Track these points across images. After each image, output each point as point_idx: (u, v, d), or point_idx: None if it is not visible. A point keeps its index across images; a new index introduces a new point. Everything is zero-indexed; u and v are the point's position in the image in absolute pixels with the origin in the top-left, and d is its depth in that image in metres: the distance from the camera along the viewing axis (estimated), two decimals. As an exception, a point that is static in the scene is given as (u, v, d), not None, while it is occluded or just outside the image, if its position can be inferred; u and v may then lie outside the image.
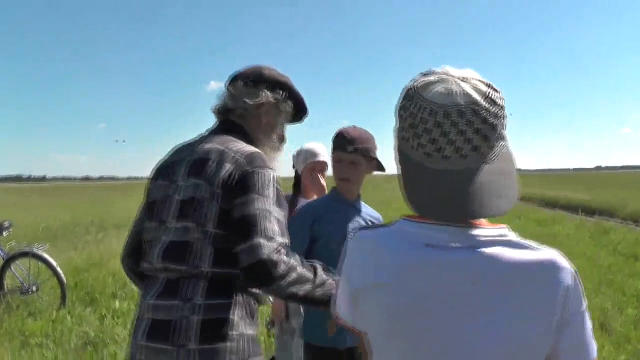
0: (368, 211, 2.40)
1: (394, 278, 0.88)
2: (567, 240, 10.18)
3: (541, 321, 0.81)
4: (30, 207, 22.16)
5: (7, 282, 5.95)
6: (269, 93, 1.74)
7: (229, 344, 1.45)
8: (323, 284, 1.49)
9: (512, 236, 0.86)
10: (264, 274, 1.38)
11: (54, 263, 5.83)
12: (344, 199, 2.31)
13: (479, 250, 0.84)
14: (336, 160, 2.28)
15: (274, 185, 1.52)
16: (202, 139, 1.68)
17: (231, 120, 1.75)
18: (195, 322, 1.44)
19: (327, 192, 2.61)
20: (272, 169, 1.56)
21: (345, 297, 0.98)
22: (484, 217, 0.85)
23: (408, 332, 0.87)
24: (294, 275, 1.41)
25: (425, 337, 0.86)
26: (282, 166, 1.88)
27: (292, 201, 2.78)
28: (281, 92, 1.77)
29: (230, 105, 1.74)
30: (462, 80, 0.86)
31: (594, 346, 0.86)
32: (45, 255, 5.83)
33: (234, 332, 1.47)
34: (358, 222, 2.30)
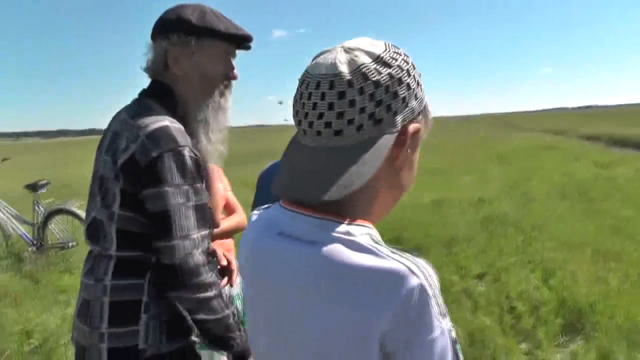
0: None
1: (247, 263, 0.87)
2: (626, 184, 9.35)
3: (356, 336, 0.70)
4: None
5: (48, 237, 6.15)
6: (164, 41, 1.49)
7: (141, 326, 1.39)
8: (227, 326, 1.40)
9: (365, 239, 0.74)
10: (176, 278, 1.34)
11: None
12: None
13: (318, 245, 0.74)
14: None
15: (186, 165, 1.36)
16: (126, 108, 1.51)
17: (157, 80, 1.54)
18: (106, 304, 1.40)
19: None
20: (181, 146, 1.36)
21: None
22: (301, 203, 0.80)
23: (251, 316, 0.89)
24: (204, 294, 1.36)
25: (257, 329, 0.87)
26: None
27: None
28: (178, 34, 1.48)
29: (147, 64, 1.54)
30: (345, 51, 0.77)
31: None
32: (78, 211, 5.96)
33: (146, 315, 1.39)
34: None
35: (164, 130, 1.35)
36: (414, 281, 0.68)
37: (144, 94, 1.54)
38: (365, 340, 0.69)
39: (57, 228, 6.19)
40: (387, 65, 0.76)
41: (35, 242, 6.09)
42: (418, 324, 0.68)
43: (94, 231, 1.45)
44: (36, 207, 6.18)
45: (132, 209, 1.38)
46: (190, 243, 1.34)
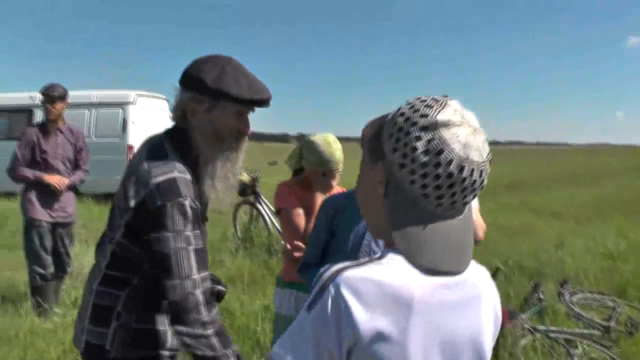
0: None
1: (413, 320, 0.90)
2: None
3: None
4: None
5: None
6: (186, 94, 1.65)
7: (110, 330, 1.62)
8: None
9: None
10: (178, 313, 1.52)
11: None
12: None
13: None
14: None
15: (187, 214, 1.53)
16: (150, 143, 1.69)
17: (178, 126, 1.70)
18: (90, 304, 1.66)
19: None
20: (182, 197, 1.53)
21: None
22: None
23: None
24: (201, 331, 1.51)
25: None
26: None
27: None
28: (194, 91, 1.63)
29: (173, 108, 1.71)
30: (476, 132, 0.92)
31: None
32: None
33: (116, 322, 1.62)
34: None
35: (171, 182, 1.54)
36: None
37: (168, 133, 1.70)
38: None
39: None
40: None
41: None
42: None
43: (99, 242, 1.75)
44: None
45: (130, 241, 1.60)
46: (191, 283, 1.51)
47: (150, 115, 10.98)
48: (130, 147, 10.55)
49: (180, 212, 1.52)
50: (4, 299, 4.93)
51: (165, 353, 1.70)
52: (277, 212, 2.68)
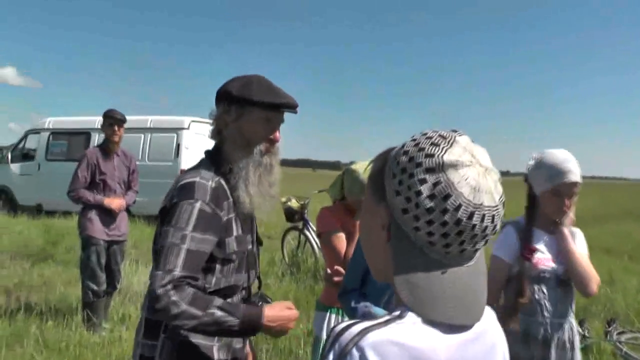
0: None
1: None
2: None
3: None
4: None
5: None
6: (218, 109, 1.75)
7: (159, 343, 1.67)
8: (215, 321, 1.52)
9: None
10: (150, 303, 1.51)
11: None
12: None
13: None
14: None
15: (193, 215, 1.57)
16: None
17: (216, 142, 1.79)
18: (143, 319, 1.72)
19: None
20: (194, 199, 1.58)
21: None
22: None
23: None
24: (175, 310, 1.48)
25: None
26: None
27: (526, 233, 2.28)
28: (223, 103, 1.73)
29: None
30: (487, 172, 0.84)
31: None
32: None
33: (164, 335, 1.66)
34: None
35: (190, 184, 1.61)
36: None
37: (207, 151, 1.81)
38: None
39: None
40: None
41: None
42: None
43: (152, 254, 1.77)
44: None
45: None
46: (170, 277, 1.49)
47: (203, 141, 11.15)
48: (183, 171, 10.78)
49: (187, 212, 1.56)
50: (57, 311, 5.08)
51: None
52: (319, 236, 2.68)
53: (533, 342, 2.22)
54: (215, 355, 1.72)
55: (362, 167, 2.50)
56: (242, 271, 1.77)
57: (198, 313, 1.51)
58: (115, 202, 4.72)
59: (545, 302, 2.22)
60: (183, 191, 1.60)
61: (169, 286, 1.49)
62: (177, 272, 1.51)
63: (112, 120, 4.70)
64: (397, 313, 0.83)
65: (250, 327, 1.59)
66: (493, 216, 0.82)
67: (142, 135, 11.04)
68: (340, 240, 2.52)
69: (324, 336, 2.55)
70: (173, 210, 1.58)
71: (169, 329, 1.65)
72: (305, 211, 7.48)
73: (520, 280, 2.21)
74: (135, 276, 6.23)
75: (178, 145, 10.95)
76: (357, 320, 0.83)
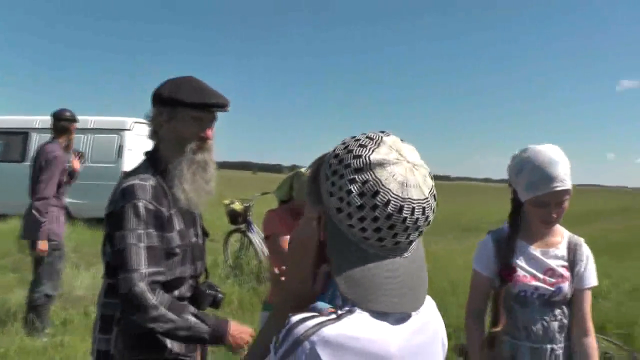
0: None
1: None
2: None
3: None
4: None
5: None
6: (152, 112, 1.86)
7: (113, 336, 1.78)
8: (189, 327, 1.65)
9: None
10: (126, 305, 1.63)
11: None
12: None
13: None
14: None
15: (140, 215, 1.68)
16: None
17: (153, 143, 1.91)
18: (98, 316, 1.84)
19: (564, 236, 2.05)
20: (137, 199, 1.69)
21: None
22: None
23: None
24: (154, 313, 1.60)
25: None
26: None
27: (508, 246, 2.00)
28: (156, 106, 1.84)
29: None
30: (414, 167, 0.89)
31: None
32: None
33: (117, 328, 1.77)
34: None
35: (131, 187, 1.72)
36: None
37: (146, 153, 1.92)
38: None
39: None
40: (431, 178, 0.94)
41: None
42: None
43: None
44: None
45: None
46: (138, 275, 1.61)
47: (146, 142, 10.92)
48: (124, 173, 10.52)
49: (135, 213, 1.67)
50: (-4, 318, 4.96)
51: (167, 357, 1.80)
52: (266, 238, 2.79)
53: None
54: (169, 346, 1.80)
55: None
56: (186, 263, 1.85)
57: (175, 317, 1.62)
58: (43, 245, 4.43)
59: (529, 324, 1.94)
60: (126, 195, 1.70)
61: (143, 285, 1.60)
62: (144, 269, 1.62)
63: (70, 120, 4.74)
64: (347, 308, 0.86)
65: (218, 336, 1.70)
66: (423, 208, 0.87)
67: (83, 136, 10.73)
68: (287, 242, 2.60)
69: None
70: (121, 214, 1.67)
71: (121, 322, 1.74)
72: (249, 213, 7.57)
73: (496, 304, 1.98)
74: (76, 280, 6.16)
75: (120, 147, 10.73)
76: (314, 314, 0.85)
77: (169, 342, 1.79)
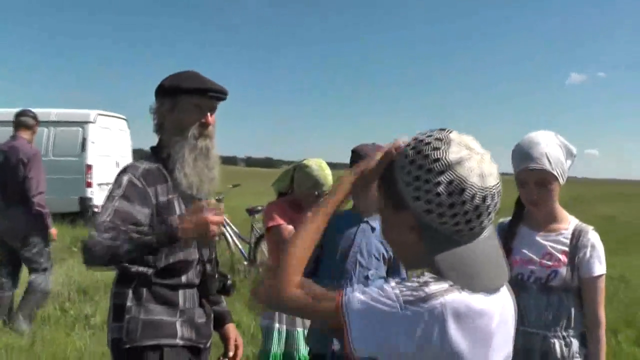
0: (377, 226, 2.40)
1: None
2: None
3: None
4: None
5: (259, 257, 7.15)
6: (155, 104, 1.94)
7: (124, 323, 1.82)
8: (128, 239, 1.66)
9: None
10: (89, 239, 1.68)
11: None
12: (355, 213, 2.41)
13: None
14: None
15: (122, 183, 1.78)
16: None
17: (158, 135, 1.98)
18: (111, 305, 1.89)
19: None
20: (124, 172, 1.82)
21: None
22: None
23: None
24: (98, 248, 1.64)
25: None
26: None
27: (509, 230, 2.07)
28: (158, 97, 1.93)
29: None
30: (482, 157, 0.97)
31: None
32: None
33: (128, 315, 1.82)
34: (369, 239, 2.37)
35: (124, 167, 1.87)
36: None
37: (153, 145, 2.00)
38: None
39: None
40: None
41: (248, 258, 7.24)
42: None
43: None
44: (253, 229, 7.26)
45: None
46: (98, 225, 1.68)
47: (110, 135, 10.87)
48: (89, 167, 10.42)
49: (117, 182, 1.80)
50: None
51: (179, 342, 1.85)
52: (267, 230, 2.80)
53: (514, 353, 2.05)
54: (179, 332, 1.85)
55: (315, 164, 2.73)
56: (190, 247, 1.89)
57: (112, 239, 1.65)
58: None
59: (524, 309, 1.94)
60: (122, 169, 1.86)
61: (94, 233, 1.66)
62: (105, 219, 1.69)
63: (35, 120, 4.82)
64: (450, 282, 0.93)
65: (168, 237, 1.70)
66: (499, 191, 0.97)
67: (45, 129, 10.48)
68: (288, 234, 2.60)
69: (277, 325, 2.85)
70: (113, 182, 1.82)
71: (131, 309, 1.81)
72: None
73: None
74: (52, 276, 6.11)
75: (84, 140, 10.49)
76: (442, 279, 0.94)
77: (177, 327, 1.85)
